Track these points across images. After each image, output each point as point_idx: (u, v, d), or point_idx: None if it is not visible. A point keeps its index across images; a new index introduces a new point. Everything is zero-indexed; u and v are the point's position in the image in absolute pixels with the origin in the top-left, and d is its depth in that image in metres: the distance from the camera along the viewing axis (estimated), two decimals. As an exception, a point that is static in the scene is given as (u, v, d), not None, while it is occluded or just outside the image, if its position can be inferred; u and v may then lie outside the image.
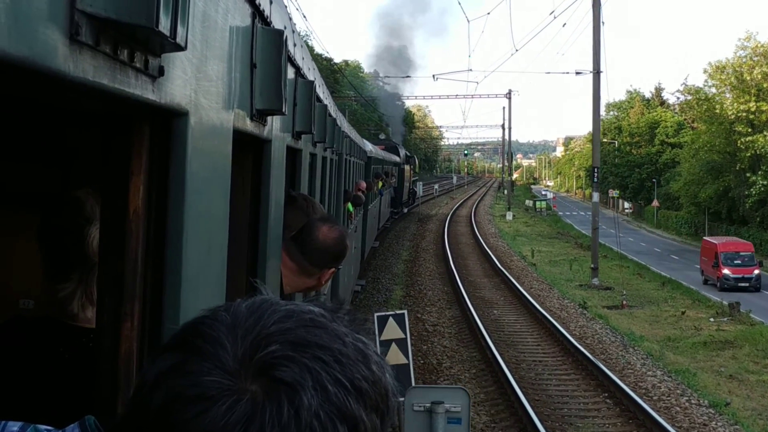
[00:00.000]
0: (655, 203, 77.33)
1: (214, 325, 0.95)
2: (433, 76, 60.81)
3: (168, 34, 1.32)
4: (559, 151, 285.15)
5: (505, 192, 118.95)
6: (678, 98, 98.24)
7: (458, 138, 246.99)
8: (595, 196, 35.44)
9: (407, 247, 41.20)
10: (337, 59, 65.53)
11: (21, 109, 1.73)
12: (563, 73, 46.10)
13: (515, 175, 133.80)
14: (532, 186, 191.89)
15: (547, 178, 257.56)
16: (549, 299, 26.73)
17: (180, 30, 1.40)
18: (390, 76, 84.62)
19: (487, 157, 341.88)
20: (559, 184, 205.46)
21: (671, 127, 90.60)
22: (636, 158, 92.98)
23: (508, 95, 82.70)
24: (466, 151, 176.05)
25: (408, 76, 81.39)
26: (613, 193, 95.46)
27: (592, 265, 33.02)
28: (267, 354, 0.91)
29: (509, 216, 67.61)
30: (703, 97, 65.30)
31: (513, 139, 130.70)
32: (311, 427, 0.89)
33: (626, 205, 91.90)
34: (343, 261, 3.92)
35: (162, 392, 0.91)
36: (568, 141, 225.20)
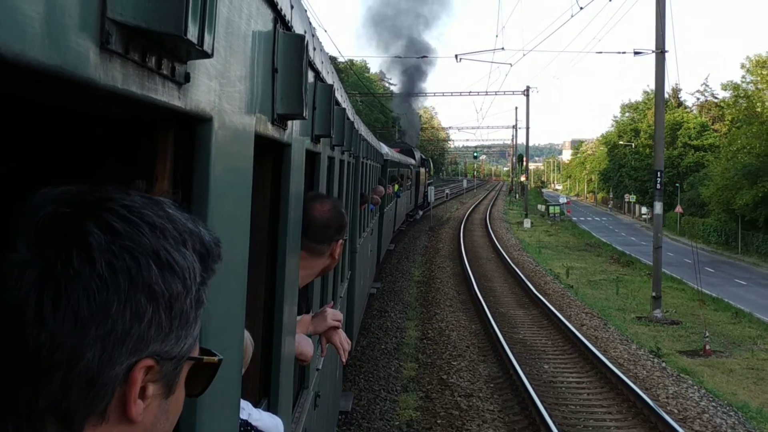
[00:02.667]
0: (679, 209, 75.14)
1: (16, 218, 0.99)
2: (456, 56, 51.60)
3: (196, 41, 1.34)
4: (566, 155, 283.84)
5: (517, 196, 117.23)
6: (698, 99, 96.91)
7: (466, 140, 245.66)
8: (658, 207, 27.60)
9: (419, 264, 34.67)
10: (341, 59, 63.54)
11: (46, 113, 1.75)
12: (619, 53, 37.37)
13: (522, 179, 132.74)
14: (543, 190, 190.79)
15: (555, 182, 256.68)
16: (611, 343, 20.25)
17: (207, 37, 1.41)
18: (401, 57, 79.48)
19: (492, 161, 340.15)
20: (569, 188, 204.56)
21: (694, 128, 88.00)
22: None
23: (526, 92, 77.00)
24: (476, 153, 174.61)
25: (425, 56, 75.68)
26: (630, 197, 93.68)
27: (654, 293, 26.44)
28: (45, 217, 0.95)
29: (527, 224, 63.50)
30: (742, 94, 61.27)
31: (519, 141, 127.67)
32: (109, 263, 0.92)
33: (644, 210, 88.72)
34: (346, 230, 3.94)
35: None
36: (578, 144, 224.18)
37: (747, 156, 58.44)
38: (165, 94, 1.46)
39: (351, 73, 66.78)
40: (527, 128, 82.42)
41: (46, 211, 0.95)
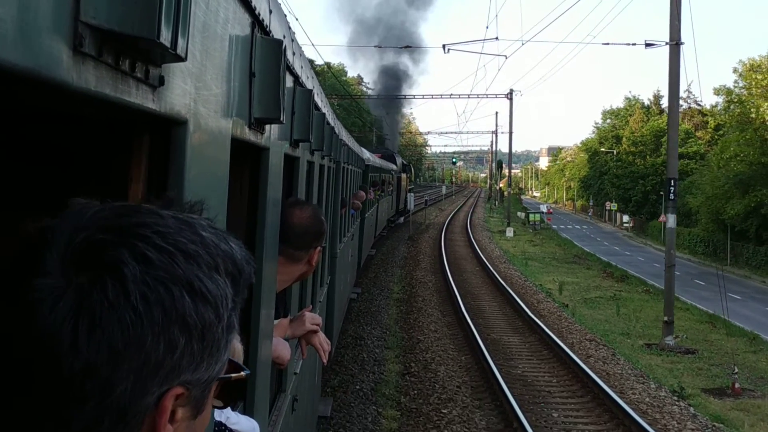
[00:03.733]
0: (662, 218, 70.99)
1: (46, 237, 0.98)
2: (443, 46, 44.85)
3: (169, 45, 1.35)
4: (543, 162, 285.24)
5: (496, 203, 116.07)
6: (681, 105, 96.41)
7: (445, 146, 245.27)
8: (671, 220, 24.15)
9: (398, 278, 31.29)
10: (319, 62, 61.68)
11: (21, 112, 1.76)
12: (627, 44, 33.02)
13: (500, 185, 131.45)
14: (521, 197, 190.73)
15: (533, 189, 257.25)
16: (626, 381, 17.13)
17: (180, 41, 1.43)
18: (381, 46, 74.08)
19: (470, 167, 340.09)
20: (547, 195, 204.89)
21: (678, 136, 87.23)
22: (640, 169, 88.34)
23: (510, 96, 72.07)
24: (454, 159, 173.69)
25: (408, 47, 71.59)
26: (611, 205, 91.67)
27: (666, 318, 23.02)
28: (79, 243, 0.94)
29: (509, 232, 60.97)
30: (736, 99, 58.74)
31: (498, 147, 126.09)
32: (143, 295, 0.92)
33: (625, 218, 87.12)
34: (325, 237, 3.94)
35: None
36: (557, 151, 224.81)
37: (739, 164, 55.96)
38: (139, 97, 1.47)
39: (328, 76, 66.27)
40: (510, 133, 77.67)
41: (80, 236, 0.95)
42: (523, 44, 44.24)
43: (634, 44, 31.49)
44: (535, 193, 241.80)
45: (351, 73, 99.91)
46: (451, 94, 71.52)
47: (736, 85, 59.97)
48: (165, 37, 1.32)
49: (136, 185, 1.79)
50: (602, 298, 31.64)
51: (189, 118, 1.87)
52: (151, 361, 0.94)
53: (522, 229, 69.12)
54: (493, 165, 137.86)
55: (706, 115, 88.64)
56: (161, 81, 1.59)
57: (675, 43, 24.01)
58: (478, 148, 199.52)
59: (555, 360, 18.53)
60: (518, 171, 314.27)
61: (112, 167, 1.81)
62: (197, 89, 1.95)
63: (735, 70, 59.85)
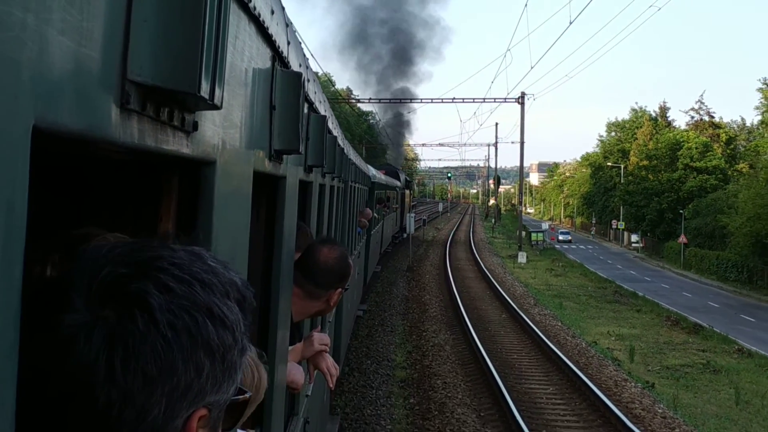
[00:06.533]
0: (683, 239, 64.21)
1: (69, 275, 1.03)
2: None
3: (207, 97, 1.40)
4: (533, 178, 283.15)
5: (494, 221, 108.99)
6: (692, 117, 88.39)
7: (439, 160, 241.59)
8: None
9: (401, 336, 22.54)
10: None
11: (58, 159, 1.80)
12: None
13: (491, 201, 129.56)
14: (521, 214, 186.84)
15: (526, 205, 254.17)
16: None
17: (217, 91, 1.47)
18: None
19: (459, 182, 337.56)
20: (542, 212, 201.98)
21: (696, 149, 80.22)
22: (654, 185, 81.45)
23: (521, 100, 60.88)
24: (450, 174, 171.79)
25: None
26: (618, 224, 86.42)
27: None
28: (102, 278, 1.00)
29: (522, 258, 53.38)
30: None
31: (496, 163, 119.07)
32: (171, 324, 0.98)
33: (633, 238, 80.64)
34: (349, 280, 3.97)
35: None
36: (552, 166, 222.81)
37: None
38: (175, 144, 1.52)
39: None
40: (522, 143, 63.47)
41: (104, 271, 1.00)
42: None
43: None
44: (528, 210, 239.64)
45: (339, 84, 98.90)
46: (453, 98, 61.70)
47: None
48: (204, 90, 1.36)
49: (166, 224, 1.83)
50: (691, 368, 22.41)
51: (217, 157, 1.91)
52: (181, 384, 1.00)
53: (532, 253, 61.88)
54: (490, 181, 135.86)
55: (719, 127, 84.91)
56: (195, 126, 1.63)
57: None
58: (468, 163, 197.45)
59: None
60: (510, 187, 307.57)
61: (141, 206, 1.85)
62: (225, 128, 1.99)
63: None
